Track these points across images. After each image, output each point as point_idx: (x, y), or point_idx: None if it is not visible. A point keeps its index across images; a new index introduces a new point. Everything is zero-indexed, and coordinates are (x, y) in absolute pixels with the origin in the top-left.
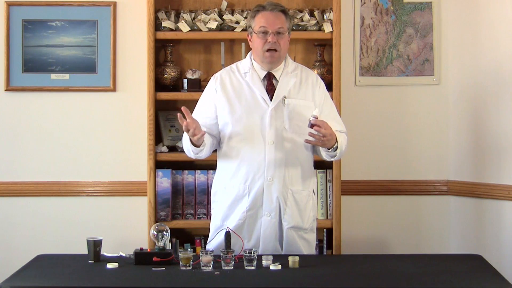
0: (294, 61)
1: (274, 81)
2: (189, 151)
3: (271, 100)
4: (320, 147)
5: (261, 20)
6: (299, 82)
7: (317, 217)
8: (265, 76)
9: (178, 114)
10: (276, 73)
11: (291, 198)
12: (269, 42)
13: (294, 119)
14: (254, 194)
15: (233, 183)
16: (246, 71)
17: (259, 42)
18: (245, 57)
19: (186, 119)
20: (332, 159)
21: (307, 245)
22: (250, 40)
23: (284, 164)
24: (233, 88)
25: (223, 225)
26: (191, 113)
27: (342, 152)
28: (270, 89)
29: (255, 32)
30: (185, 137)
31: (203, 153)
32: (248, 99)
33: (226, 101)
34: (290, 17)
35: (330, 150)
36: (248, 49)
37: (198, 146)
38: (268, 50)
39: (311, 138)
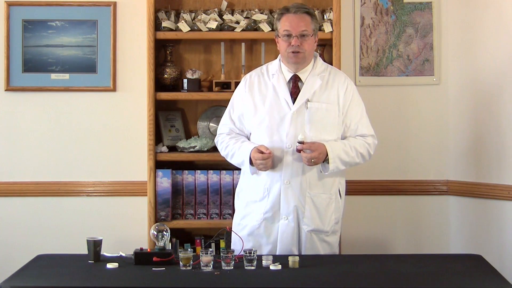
0: None
1: (299, 84)
2: (239, 164)
3: (294, 103)
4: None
5: (285, 23)
6: (325, 84)
7: (341, 219)
8: (290, 79)
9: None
10: (303, 75)
11: (310, 201)
12: (292, 45)
13: (315, 123)
14: (272, 198)
15: (254, 184)
16: (273, 72)
17: (284, 45)
18: (245, 57)
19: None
20: (328, 172)
21: (328, 247)
22: (277, 43)
23: (301, 168)
24: (259, 89)
25: (240, 223)
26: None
27: (346, 162)
28: (295, 92)
29: (279, 36)
30: (237, 147)
31: (252, 171)
32: (271, 101)
33: (252, 102)
34: (316, 18)
35: (324, 162)
36: (248, 48)
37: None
38: (292, 51)
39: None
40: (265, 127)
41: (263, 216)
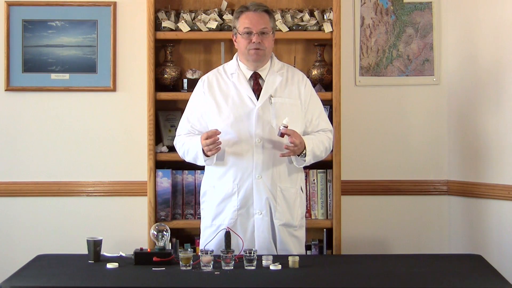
0: (294, 61)
1: (260, 81)
2: (195, 158)
3: (257, 99)
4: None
5: (245, 21)
6: (285, 81)
7: (305, 215)
8: (251, 76)
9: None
10: (262, 72)
11: (280, 195)
12: (253, 42)
13: (280, 117)
14: (243, 193)
15: (222, 182)
16: (232, 72)
17: (244, 42)
18: None
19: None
20: (301, 165)
21: (297, 242)
22: (235, 41)
23: (272, 162)
24: (220, 89)
25: (212, 224)
26: (181, 116)
27: (317, 156)
28: (257, 89)
29: (239, 33)
30: (190, 142)
31: (207, 162)
32: (235, 99)
33: (213, 102)
34: (274, 17)
35: (300, 156)
36: None
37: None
38: (253, 49)
39: (286, 151)
40: (230, 124)
41: (238, 212)
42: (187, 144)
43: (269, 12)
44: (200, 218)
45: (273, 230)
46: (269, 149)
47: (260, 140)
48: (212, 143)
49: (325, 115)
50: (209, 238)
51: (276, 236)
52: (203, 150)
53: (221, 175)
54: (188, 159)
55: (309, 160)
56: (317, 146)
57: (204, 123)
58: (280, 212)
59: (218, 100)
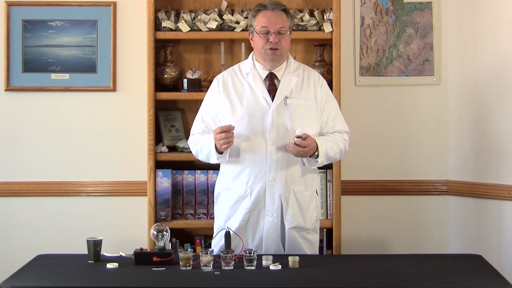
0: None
1: (276, 81)
2: (208, 156)
3: (272, 100)
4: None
5: (263, 19)
6: (301, 82)
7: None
8: (266, 76)
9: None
10: (278, 72)
11: (293, 198)
12: (271, 41)
13: (296, 119)
14: (256, 195)
15: (236, 184)
16: (248, 71)
17: (261, 41)
18: (245, 57)
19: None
20: (314, 166)
21: (310, 245)
22: (251, 40)
23: (286, 165)
24: (235, 89)
25: (225, 225)
26: (196, 114)
27: (331, 157)
28: (272, 89)
29: (256, 32)
30: (203, 139)
31: (220, 160)
32: (249, 100)
33: (228, 102)
34: (292, 16)
35: (312, 157)
36: (248, 48)
37: (221, 153)
38: (270, 48)
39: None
40: (245, 125)
41: (249, 214)
42: (200, 142)
43: (287, 11)
44: (200, 218)
45: (283, 233)
46: (283, 151)
47: (274, 142)
48: (226, 137)
49: (341, 116)
50: (222, 239)
51: (286, 238)
52: (216, 147)
53: (234, 176)
54: (201, 157)
55: (321, 161)
56: (331, 147)
57: (219, 123)
58: (291, 215)
59: (232, 100)
